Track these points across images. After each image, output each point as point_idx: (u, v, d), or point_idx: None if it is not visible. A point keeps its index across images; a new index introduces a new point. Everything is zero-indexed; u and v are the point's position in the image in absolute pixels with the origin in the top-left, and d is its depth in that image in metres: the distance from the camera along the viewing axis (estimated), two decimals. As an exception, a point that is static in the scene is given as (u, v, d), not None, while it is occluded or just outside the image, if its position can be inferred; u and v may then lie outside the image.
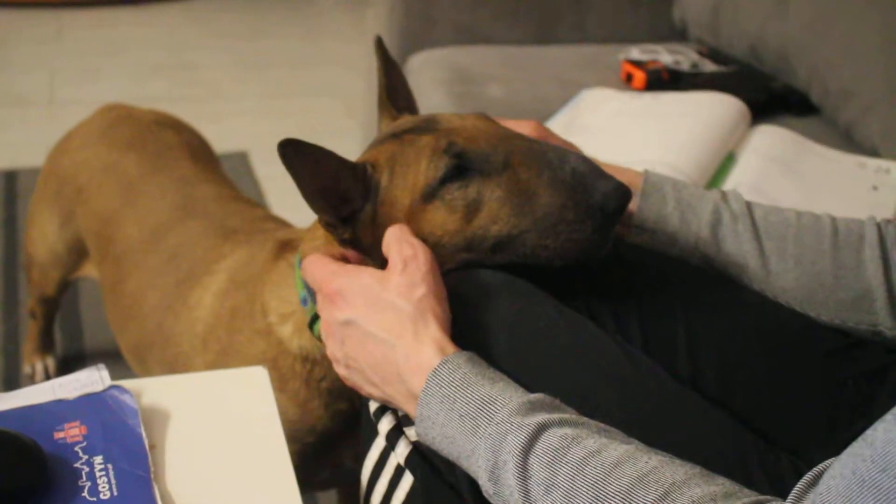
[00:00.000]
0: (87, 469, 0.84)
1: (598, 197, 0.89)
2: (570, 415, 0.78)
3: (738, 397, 0.92)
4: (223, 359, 1.23)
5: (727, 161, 1.69)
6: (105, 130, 1.62)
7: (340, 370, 0.92)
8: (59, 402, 0.90)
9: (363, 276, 0.89)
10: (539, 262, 0.93)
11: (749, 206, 1.03)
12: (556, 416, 0.77)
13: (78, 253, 1.65)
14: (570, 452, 0.74)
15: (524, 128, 1.03)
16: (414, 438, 0.88)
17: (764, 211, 1.02)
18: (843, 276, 0.98)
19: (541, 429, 0.76)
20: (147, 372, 1.44)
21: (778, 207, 1.04)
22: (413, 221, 0.94)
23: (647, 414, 0.85)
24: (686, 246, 1.02)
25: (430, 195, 0.93)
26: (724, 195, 1.04)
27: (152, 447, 0.88)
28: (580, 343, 0.89)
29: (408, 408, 0.86)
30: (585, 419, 0.78)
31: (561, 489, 0.73)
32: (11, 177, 2.62)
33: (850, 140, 1.82)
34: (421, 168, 0.94)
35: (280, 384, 1.15)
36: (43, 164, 1.71)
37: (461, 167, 0.92)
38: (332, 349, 0.92)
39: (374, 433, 0.92)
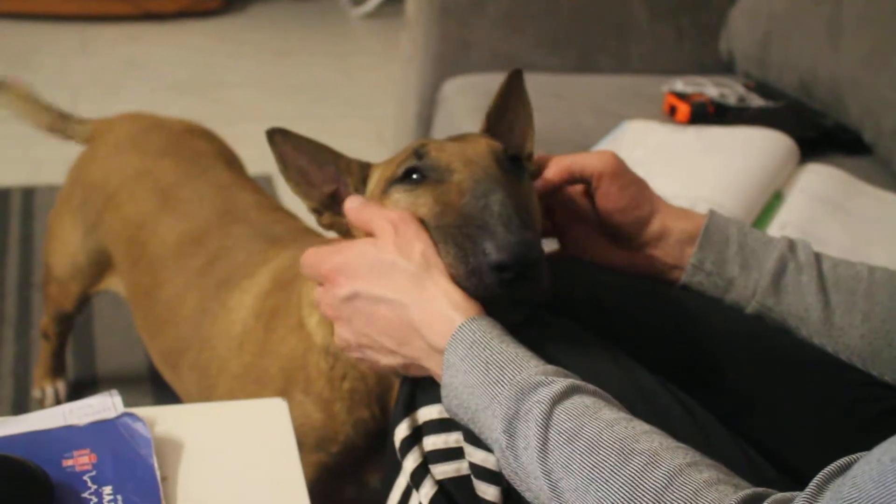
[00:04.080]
0: (95, 500, 0.81)
1: (480, 256, 0.83)
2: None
3: (788, 455, 0.89)
4: (258, 360, 1.24)
5: (774, 200, 1.64)
6: (136, 138, 1.63)
7: (354, 353, 0.92)
8: (69, 429, 0.88)
9: (358, 246, 0.89)
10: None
11: (818, 256, 0.98)
12: (592, 387, 0.76)
13: (99, 265, 1.65)
14: (602, 412, 0.72)
15: (596, 160, 1.00)
16: (439, 477, 0.85)
17: (833, 263, 0.98)
18: None
19: (575, 388, 0.73)
20: (179, 379, 1.45)
21: (849, 261, 0.99)
22: None
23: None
24: (743, 293, 0.99)
25: (387, 188, 0.95)
26: (791, 244, 0.99)
27: (164, 479, 0.86)
28: (633, 387, 0.86)
29: (430, 363, 0.84)
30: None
31: (585, 440, 0.70)
32: (29, 193, 2.57)
33: (904, 182, 1.76)
34: (394, 162, 0.97)
35: (306, 385, 1.17)
36: (67, 175, 1.69)
37: (417, 170, 0.93)
38: (341, 333, 0.91)
39: (399, 468, 0.89)
